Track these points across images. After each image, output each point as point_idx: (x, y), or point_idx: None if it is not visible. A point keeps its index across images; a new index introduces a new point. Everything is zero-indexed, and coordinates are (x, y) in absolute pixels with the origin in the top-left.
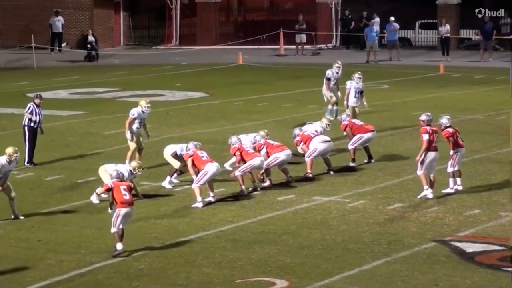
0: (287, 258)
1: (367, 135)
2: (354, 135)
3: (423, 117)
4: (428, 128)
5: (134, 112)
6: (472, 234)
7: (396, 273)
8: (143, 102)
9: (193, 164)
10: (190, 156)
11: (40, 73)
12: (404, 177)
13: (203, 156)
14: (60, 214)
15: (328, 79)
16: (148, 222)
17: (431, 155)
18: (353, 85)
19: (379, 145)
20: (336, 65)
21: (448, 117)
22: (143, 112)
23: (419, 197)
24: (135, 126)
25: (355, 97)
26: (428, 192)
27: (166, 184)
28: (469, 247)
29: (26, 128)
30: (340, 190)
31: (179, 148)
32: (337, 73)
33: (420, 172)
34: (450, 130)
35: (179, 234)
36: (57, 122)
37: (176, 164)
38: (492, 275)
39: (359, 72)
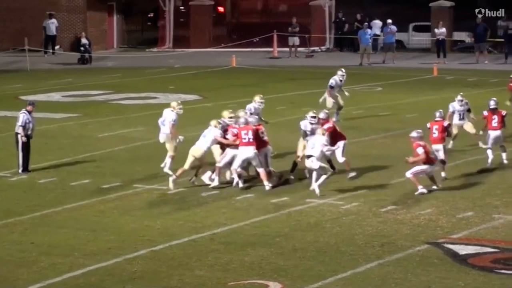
0: (281, 261)
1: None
2: (333, 141)
3: (414, 134)
4: (421, 142)
5: (175, 117)
6: (465, 237)
7: (389, 276)
8: (174, 104)
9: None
10: (235, 135)
11: (34, 75)
12: (397, 179)
13: (244, 138)
14: (54, 217)
15: (332, 87)
16: (141, 224)
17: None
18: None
19: (372, 147)
20: (340, 73)
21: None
22: (177, 114)
23: (416, 193)
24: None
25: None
26: (424, 190)
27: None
28: (462, 250)
29: (19, 136)
30: (333, 193)
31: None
32: (341, 80)
33: (409, 175)
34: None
35: (172, 236)
36: (51, 125)
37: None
38: (485, 277)
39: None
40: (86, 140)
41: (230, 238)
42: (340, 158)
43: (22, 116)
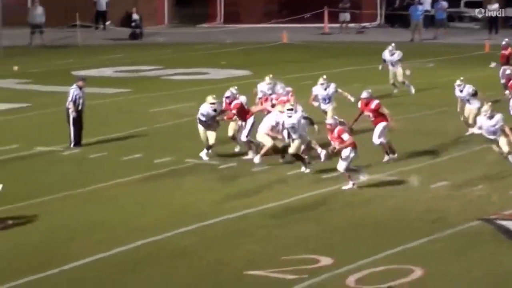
0: (332, 236)
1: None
2: (376, 120)
3: (330, 121)
4: (343, 127)
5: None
6: None
7: (440, 252)
8: (267, 78)
9: None
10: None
11: (85, 51)
12: (448, 155)
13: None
14: (105, 192)
15: (384, 61)
16: (192, 199)
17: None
18: (318, 90)
19: (424, 124)
20: (389, 47)
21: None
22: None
23: (345, 188)
24: None
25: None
26: (351, 185)
27: (256, 159)
28: None
29: (69, 111)
30: (384, 168)
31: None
32: (392, 55)
33: (342, 170)
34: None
35: (223, 211)
36: (102, 100)
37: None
38: None
39: (324, 77)
40: (137, 115)
41: (281, 213)
42: (376, 140)
43: (73, 91)
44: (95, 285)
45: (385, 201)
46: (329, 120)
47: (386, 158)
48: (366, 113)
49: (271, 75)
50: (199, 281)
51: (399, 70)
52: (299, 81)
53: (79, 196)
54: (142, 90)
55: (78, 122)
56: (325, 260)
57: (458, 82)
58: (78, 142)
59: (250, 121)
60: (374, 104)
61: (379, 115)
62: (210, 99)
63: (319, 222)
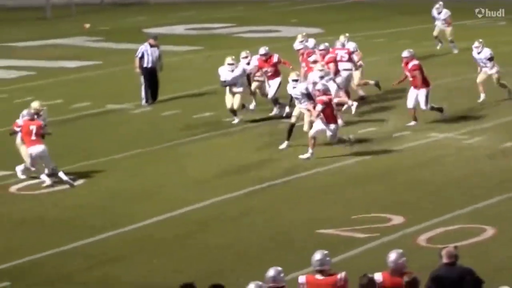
0: (402, 195)
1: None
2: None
3: (319, 86)
4: (324, 98)
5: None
6: None
7: (509, 212)
8: (299, 36)
9: None
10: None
11: (156, 8)
12: None
13: None
14: (174, 149)
15: (434, 18)
16: (261, 157)
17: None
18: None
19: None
20: (435, 5)
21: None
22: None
23: (300, 157)
24: None
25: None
26: (310, 155)
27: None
28: None
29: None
30: (456, 127)
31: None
32: (439, 13)
33: (312, 133)
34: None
35: (291, 172)
36: (174, 57)
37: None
38: None
39: (346, 35)
40: (208, 72)
41: (352, 173)
42: (425, 106)
43: (141, 48)
44: (166, 244)
45: (456, 160)
46: (319, 85)
47: (444, 114)
48: (406, 72)
49: (304, 33)
50: (270, 240)
51: (447, 29)
52: (371, 39)
53: (149, 154)
54: (214, 47)
55: (149, 80)
56: (397, 219)
57: (476, 44)
58: (150, 100)
59: (278, 80)
60: (411, 64)
61: (419, 77)
62: (228, 60)
63: (389, 181)
